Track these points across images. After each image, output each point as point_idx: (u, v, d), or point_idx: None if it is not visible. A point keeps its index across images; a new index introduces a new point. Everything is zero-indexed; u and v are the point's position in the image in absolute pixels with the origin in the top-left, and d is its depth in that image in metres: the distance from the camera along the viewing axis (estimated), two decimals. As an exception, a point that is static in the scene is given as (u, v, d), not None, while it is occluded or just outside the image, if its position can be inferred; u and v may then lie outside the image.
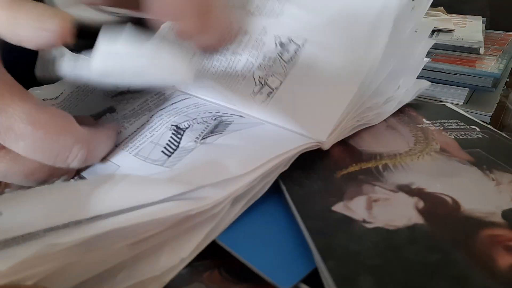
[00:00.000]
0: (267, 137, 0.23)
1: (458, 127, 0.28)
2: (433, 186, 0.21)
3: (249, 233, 0.19)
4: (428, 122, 0.29)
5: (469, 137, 0.27)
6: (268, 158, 0.20)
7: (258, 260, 0.18)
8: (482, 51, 0.43)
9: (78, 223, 0.16)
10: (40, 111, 0.19)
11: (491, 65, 0.39)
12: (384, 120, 0.29)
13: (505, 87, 0.43)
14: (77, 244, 0.15)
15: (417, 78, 0.31)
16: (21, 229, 0.15)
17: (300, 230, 0.18)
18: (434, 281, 0.15)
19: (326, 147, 0.23)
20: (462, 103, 0.39)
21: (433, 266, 0.16)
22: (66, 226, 0.16)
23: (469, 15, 0.56)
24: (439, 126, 0.29)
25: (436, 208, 0.19)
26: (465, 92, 0.38)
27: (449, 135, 0.27)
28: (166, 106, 0.27)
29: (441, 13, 0.55)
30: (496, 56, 0.43)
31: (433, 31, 0.47)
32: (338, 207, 0.19)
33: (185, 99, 0.28)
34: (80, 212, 0.17)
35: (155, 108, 0.27)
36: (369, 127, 0.28)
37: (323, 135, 0.23)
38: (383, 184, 0.21)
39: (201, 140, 0.23)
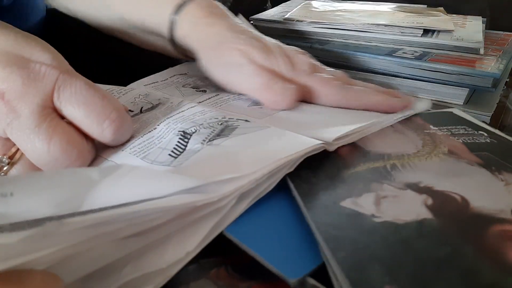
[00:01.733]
0: (273, 139, 0.24)
1: (466, 132, 0.29)
2: (442, 185, 0.21)
3: (257, 225, 0.19)
4: (436, 128, 0.29)
5: (477, 141, 0.27)
6: (275, 159, 0.20)
7: (266, 252, 0.18)
8: (482, 51, 0.42)
9: (84, 213, 0.16)
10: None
11: (491, 65, 0.39)
12: (391, 126, 0.30)
13: (505, 87, 0.43)
14: (84, 226, 0.15)
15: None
16: (29, 214, 0.15)
17: (308, 224, 0.18)
18: (444, 274, 0.15)
19: (331, 148, 0.24)
20: (462, 103, 0.39)
21: (443, 259, 0.15)
22: (71, 216, 0.16)
23: (469, 15, 0.56)
24: (446, 131, 0.29)
25: (445, 205, 0.19)
26: (465, 92, 0.38)
27: (457, 139, 0.27)
28: (174, 115, 0.28)
29: (441, 13, 0.55)
30: (496, 56, 0.42)
31: (433, 31, 0.47)
32: (347, 203, 0.19)
33: (192, 107, 0.29)
34: (87, 202, 0.17)
35: (163, 117, 0.28)
36: (377, 131, 0.28)
37: (330, 136, 0.23)
38: (391, 182, 0.21)
39: (207, 142, 0.24)
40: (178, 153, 0.23)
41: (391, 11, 0.56)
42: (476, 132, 0.29)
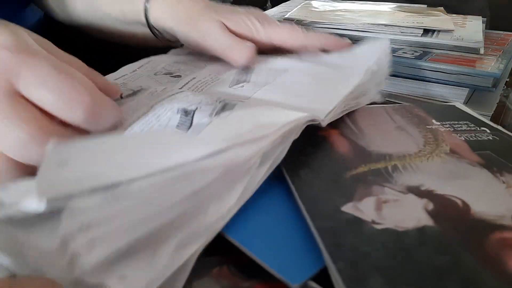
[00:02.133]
0: (276, 110, 0.25)
1: (468, 128, 0.28)
2: (443, 188, 0.21)
3: (259, 229, 0.19)
4: (438, 123, 0.29)
5: (479, 139, 0.27)
6: (285, 122, 0.22)
7: (268, 257, 0.18)
8: (482, 51, 0.43)
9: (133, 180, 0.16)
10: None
11: (491, 65, 0.39)
12: (393, 120, 0.29)
13: (505, 87, 0.43)
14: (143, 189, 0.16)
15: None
16: (88, 181, 0.16)
17: (309, 228, 0.19)
18: (444, 283, 0.15)
19: (324, 124, 0.25)
20: (462, 103, 0.38)
21: (443, 268, 0.16)
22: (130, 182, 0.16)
23: (469, 15, 0.56)
24: (449, 127, 0.28)
25: (446, 210, 0.19)
26: (465, 92, 0.38)
27: (459, 136, 0.27)
28: (165, 98, 0.28)
29: (441, 13, 0.55)
30: (496, 56, 0.43)
31: (433, 31, 0.47)
32: (347, 208, 0.19)
33: (181, 92, 0.29)
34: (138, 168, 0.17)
35: (151, 101, 0.28)
36: (379, 127, 0.28)
37: (323, 113, 0.25)
38: (392, 185, 0.21)
39: (214, 115, 0.24)
40: (185, 128, 0.24)
41: (391, 11, 0.56)
42: (478, 128, 0.28)
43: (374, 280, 0.15)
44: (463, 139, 0.27)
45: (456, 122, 0.29)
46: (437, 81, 0.39)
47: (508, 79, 0.44)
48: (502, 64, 0.40)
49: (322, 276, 0.17)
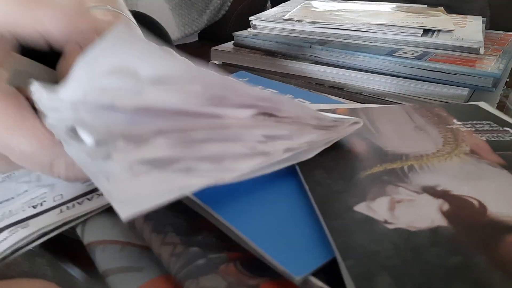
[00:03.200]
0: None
1: (491, 128, 0.28)
2: (460, 189, 0.20)
3: (263, 222, 0.19)
4: (459, 123, 0.29)
5: (501, 139, 0.26)
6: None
7: (271, 249, 0.18)
8: (482, 51, 0.43)
9: None
10: None
11: (491, 65, 0.39)
12: (412, 120, 0.29)
13: (505, 87, 0.44)
14: None
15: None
16: None
17: (314, 221, 0.19)
18: (453, 285, 0.15)
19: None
20: (462, 103, 0.39)
21: (453, 269, 0.16)
22: None
23: (469, 15, 0.57)
24: (470, 127, 0.28)
25: (461, 211, 0.19)
26: (465, 92, 0.39)
27: (481, 137, 0.26)
28: None
29: (441, 13, 0.55)
30: (496, 56, 0.43)
31: (433, 31, 0.47)
32: (360, 207, 0.19)
33: None
34: None
35: None
36: (397, 127, 0.27)
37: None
38: (407, 185, 0.21)
39: None
40: None
41: (391, 11, 0.57)
42: (501, 128, 0.28)
43: (382, 278, 0.15)
44: (485, 139, 0.26)
45: (478, 122, 0.29)
46: (437, 81, 0.40)
47: (508, 79, 0.44)
48: (502, 64, 0.40)
49: (324, 273, 0.17)
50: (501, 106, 0.40)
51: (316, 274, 0.17)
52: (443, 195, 0.20)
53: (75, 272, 0.23)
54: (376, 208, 0.19)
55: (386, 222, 0.18)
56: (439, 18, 0.51)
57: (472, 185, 0.21)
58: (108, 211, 0.24)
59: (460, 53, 0.43)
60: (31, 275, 0.21)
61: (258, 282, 0.18)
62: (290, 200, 0.21)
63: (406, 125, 0.28)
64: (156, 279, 0.20)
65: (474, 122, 0.29)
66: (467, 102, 0.38)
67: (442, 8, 0.58)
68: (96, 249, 0.22)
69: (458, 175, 0.22)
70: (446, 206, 0.19)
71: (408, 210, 0.19)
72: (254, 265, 0.19)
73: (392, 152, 0.25)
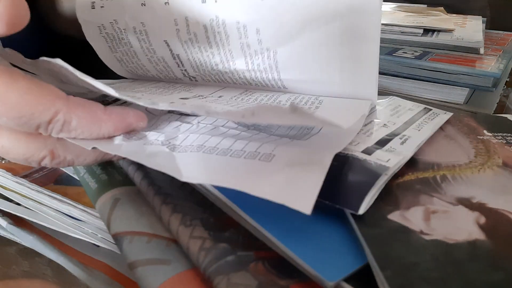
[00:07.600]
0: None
1: (523, 142, 0.27)
2: (496, 202, 0.20)
3: (295, 226, 0.19)
4: (490, 134, 0.28)
5: (534, 153, 0.25)
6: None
7: (303, 253, 0.18)
8: (482, 51, 0.43)
9: None
10: None
11: (491, 65, 0.39)
12: (442, 129, 0.29)
13: (505, 87, 0.43)
14: None
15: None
16: None
17: (345, 226, 0.19)
18: (497, 301, 0.14)
19: None
20: (462, 103, 0.39)
21: (495, 285, 0.15)
22: None
23: (469, 15, 0.56)
24: (501, 139, 0.27)
25: (499, 225, 0.18)
26: (465, 92, 0.38)
27: (512, 149, 0.26)
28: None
29: (441, 13, 0.54)
30: (496, 56, 0.43)
31: (433, 31, 0.47)
32: (394, 216, 0.19)
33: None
34: None
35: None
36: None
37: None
38: (441, 196, 0.21)
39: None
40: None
41: (391, 10, 0.56)
42: (533, 142, 0.27)
43: (423, 291, 0.15)
44: (517, 152, 0.25)
45: (508, 134, 0.28)
46: (437, 81, 0.40)
47: (508, 79, 0.44)
48: (502, 64, 0.40)
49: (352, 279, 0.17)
50: (501, 106, 0.39)
51: (347, 280, 0.17)
52: (479, 207, 0.20)
53: (75, 271, 0.23)
54: (411, 218, 0.19)
55: (422, 232, 0.18)
56: (439, 18, 0.51)
57: (507, 199, 0.20)
58: (135, 201, 0.24)
59: (460, 53, 0.43)
60: (31, 275, 0.22)
61: (287, 283, 0.18)
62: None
63: (436, 133, 0.28)
64: (184, 273, 0.20)
65: (504, 134, 0.28)
66: (467, 102, 0.38)
67: (442, 8, 0.58)
68: (124, 240, 0.22)
69: (492, 188, 0.21)
70: (482, 219, 0.19)
71: (444, 222, 0.19)
72: (282, 265, 0.19)
73: (422, 160, 0.24)
